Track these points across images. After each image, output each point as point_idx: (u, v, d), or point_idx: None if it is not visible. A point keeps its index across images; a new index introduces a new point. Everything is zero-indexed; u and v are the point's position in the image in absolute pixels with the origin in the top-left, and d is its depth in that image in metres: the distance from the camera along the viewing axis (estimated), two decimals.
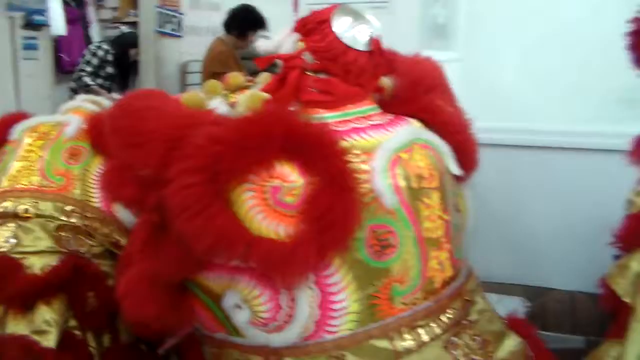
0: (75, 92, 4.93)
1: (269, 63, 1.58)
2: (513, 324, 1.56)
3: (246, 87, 1.83)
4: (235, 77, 1.83)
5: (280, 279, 1.24)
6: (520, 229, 2.76)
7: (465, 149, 1.57)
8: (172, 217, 1.21)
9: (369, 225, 1.29)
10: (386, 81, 1.58)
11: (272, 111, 1.32)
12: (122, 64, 4.98)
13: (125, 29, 6.37)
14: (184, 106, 1.48)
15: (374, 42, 1.45)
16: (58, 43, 5.95)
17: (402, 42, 2.51)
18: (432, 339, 1.34)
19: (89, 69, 4.85)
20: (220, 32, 4.55)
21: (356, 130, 1.40)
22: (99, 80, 4.93)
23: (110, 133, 1.39)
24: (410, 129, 1.46)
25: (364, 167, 1.32)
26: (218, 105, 1.55)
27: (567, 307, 2.66)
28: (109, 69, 5.00)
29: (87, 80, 4.77)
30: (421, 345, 1.33)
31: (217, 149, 1.20)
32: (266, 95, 1.44)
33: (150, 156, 1.28)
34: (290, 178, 1.24)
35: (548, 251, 2.70)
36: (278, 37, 1.55)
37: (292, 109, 1.42)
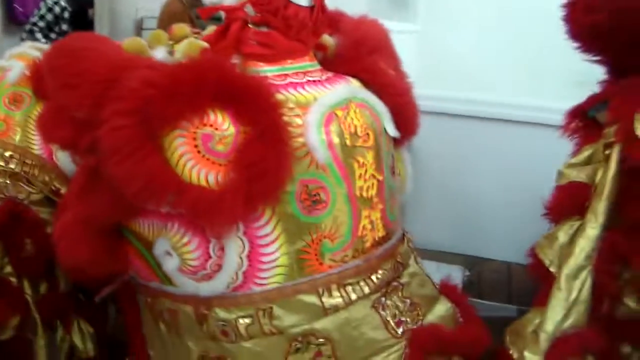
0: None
1: (210, 14, 1.58)
2: (445, 290, 1.61)
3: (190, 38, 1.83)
4: (181, 28, 1.82)
5: (208, 227, 1.25)
6: (462, 199, 2.80)
7: (404, 113, 1.59)
8: (103, 159, 1.21)
9: (300, 180, 1.31)
10: (329, 40, 1.59)
11: (206, 59, 1.32)
12: (79, 22, 4.86)
13: None
14: (124, 51, 1.47)
15: None
16: None
17: (351, 10, 2.55)
18: (360, 298, 1.37)
19: (42, 24, 4.70)
20: None
21: (293, 84, 1.40)
22: (52, 36, 4.81)
23: (46, 72, 1.37)
24: (348, 87, 1.47)
25: (297, 121, 1.33)
26: (159, 53, 1.54)
27: (503, 277, 2.75)
28: (64, 27, 4.86)
29: (39, 36, 4.64)
30: (349, 303, 1.36)
31: (149, 92, 1.20)
32: (205, 44, 1.44)
33: (84, 97, 1.26)
34: (223, 127, 1.25)
35: (488, 222, 2.76)
36: None
37: (231, 60, 1.43)
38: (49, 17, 4.79)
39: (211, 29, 1.86)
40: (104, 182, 1.26)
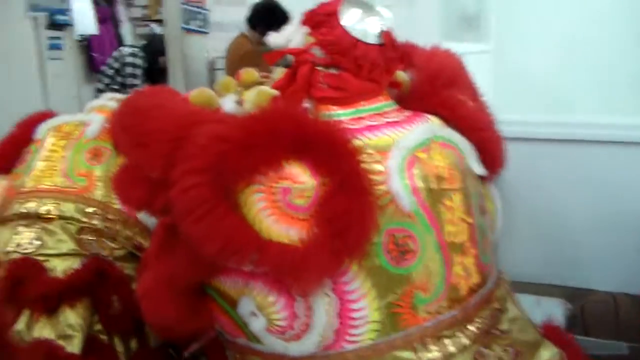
0: (102, 92, 5.00)
1: (277, 59, 1.55)
2: (549, 332, 1.49)
3: (261, 83, 1.80)
4: (249, 73, 1.79)
5: (294, 286, 1.20)
6: (556, 226, 2.65)
7: (489, 147, 1.50)
8: (178, 220, 1.18)
9: (387, 229, 1.24)
10: (403, 76, 1.53)
11: (279, 108, 1.29)
12: (152, 71, 5.02)
13: (155, 27, 6.43)
14: (191, 104, 1.45)
15: (386, 35, 1.39)
16: (90, 42, 6.03)
17: (423, 36, 2.47)
18: (459, 350, 1.28)
19: (119, 78, 4.91)
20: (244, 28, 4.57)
21: (370, 128, 1.35)
22: (127, 86, 5.00)
23: (117, 131, 1.38)
24: (428, 126, 1.40)
25: (378, 167, 1.26)
26: (227, 103, 1.52)
27: (609, 309, 2.57)
28: (136, 81, 5.05)
29: (116, 87, 4.84)
30: (448, 356, 1.27)
31: (221, 147, 1.16)
32: (275, 92, 1.41)
33: (155, 157, 1.25)
34: (301, 179, 1.20)
35: (585, 250, 2.59)
36: (288, 31, 1.51)
37: (302, 106, 1.39)
38: (127, 69, 4.98)
39: (280, 70, 1.84)
40: (182, 241, 1.23)
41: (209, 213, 1.14)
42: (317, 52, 1.39)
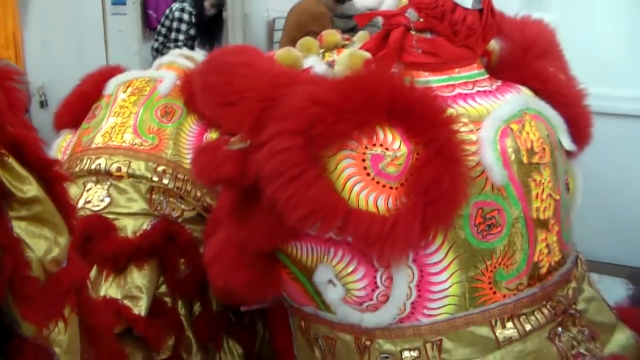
0: (158, 51, 5.02)
1: (369, 20, 1.50)
2: (624, 315, 1.45)
3: (343, 46, 1.76)
4: (332, 34, 1.74)
5: (378, 256, 1.17)
6: (624, 206, 2.57)
7: (578, 123, 1.45)
8: (264, 183, 1.15)
9: (475, 202, 1.21)
10: (493, 44, 1.47)
11: (375, 72, 1.24)
12: (201, 21, 5.01)
13: None
14: (278, 64, 1.42)
15: (485, 0, 1.33)
16: (146, 0, 6.05)
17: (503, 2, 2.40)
18: (535, 329, 1.26)
19: (182, 37, 4.91)
20: None
21: (462, 96, 1.30)
22: (189, 42, 5.02)
23: (200, 90, 1.34)
24: (521, 97, 1.35)
25: (472, 137, 1.22)
26: (314, 64, 1.48)
27: None
28: (192, 31, 5.05)
29: (171, 45, 4.85)
30: (524, 335, 1.25)
31: (315, 110, 1.13)
32: (367, 55, 1.36)
33: (244, 117, 1.21)
34: (394, 146, 1.16)
35: None
36: None
37: (395, 70, 1.35)
38: (184, 27, 4.98)
39: (362, 34, 1.78)
40: (260, 204, 1.21)
41: (297, 177, 1.11)
42: (412, 15, 1.34)
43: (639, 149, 2.59)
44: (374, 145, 1.16)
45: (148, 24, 6.05)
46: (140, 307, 1.74)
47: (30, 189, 1.05)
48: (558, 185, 1.35)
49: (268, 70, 1.29)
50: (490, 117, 1.27)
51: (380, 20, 1.44)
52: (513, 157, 1.25)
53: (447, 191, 1.13)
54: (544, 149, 1.31)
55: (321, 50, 1.72)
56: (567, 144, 1.39)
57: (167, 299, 1.85)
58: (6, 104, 1.10)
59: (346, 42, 1.79)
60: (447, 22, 1.31)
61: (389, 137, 1.17)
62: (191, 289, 1.86)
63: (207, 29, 5.21)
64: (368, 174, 1.15)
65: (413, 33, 1.34)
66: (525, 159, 1.27)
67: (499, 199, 1.23)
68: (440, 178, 1.12)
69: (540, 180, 1.29)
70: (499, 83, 1.38)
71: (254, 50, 1.43)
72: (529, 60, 1.44)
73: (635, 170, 2.59)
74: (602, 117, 2.52)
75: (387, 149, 1.16)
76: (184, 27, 4.95)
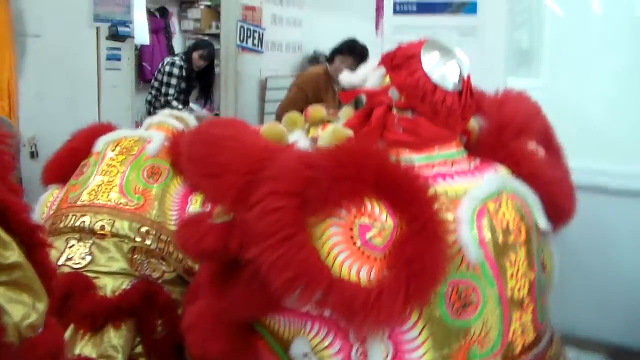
0: (150, 104, 5.10)
1: (352, 97, 1.55)
2: None
3: (328, 121, 1.81)
4: (317, 110, 1.81)
5: (359, 328, 1.17)
6: (608, 281, 2.58)
7: (555, 202, 1.47)
8: (252, 244, 1.15)
9: (451, 280, 1.23)
10: (473, 123, 1.52)
11: (364, 145, 1.27)
12: (191, 74, 5.12)
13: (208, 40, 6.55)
14: (263, 138, 1.45)
15: (464, 82, 1.39)
16: (141, 52, 6.14)
17: (488, 68, 2.45)
18: None
19: (171, 91, 5.02)
20: (301, 47, 4.61)
21: (441, 175, 1.35)
22: (181, 96, 5.12)
23: (187, 160, 1.38)
24: (498, 177, 1.39)
25: (449, 216, 1.26)
26: (298, 139, 1.52)
27: None
28: (183, 85, 5.15)
29: (175, 104, 4.96)
30: None
31: (310, 173, 1.15)
32: (350, 132, 1.40)
33: (227, 189, 1.24)
34: (381, 218, 1.19)
35: (637, 307, 2.54)
36: (363, 71, 1.50)
37: (382, 147, 1.38)
38: (173, 81, 5.08)
39: (346, 110, 1.84)
40: (242, 275, 1.23)
41: (288, 239, 1.12)
42: (394, 94, 1.39)
43: (624, 225, 2.61)
44: (362, 215, 1.18)
45: (142, 76, 6.15)
46: None
47: (12, 254, 1.06)
48: (533, 264, 1.37)
49: (253, 144, 1.32)
50: (468, 196, 1.30)
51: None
52: (489, 236, 1.28)
53: (428, 267, 1.15)
54: (519, 228, 1.34)
55: (306, 125, 1.77)
56: (543, 224, 1.42)
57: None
58: None
59: (331, 118, 1.84)
60: (427, 103, 1.36)
61: (377, 209, 1.19)
62: (167, 350, 1.86)
63: (198, 81, 5.31)
64: (354, 243, 1.17)
65: (395, 112, 1.39)
66: (501, 239, 1.30)
67: (475, 277, 1.25)
68: (422, 254, 1.15)
69: (515, 260, 1.32)
70: (477, 162, 1.42)
71: (241, 124, 1.47)
72: (505, 140, 1.49)
73: (619, 247, 2.61)
74: (589, 192, 2.58)
75: (375, 220, 1.18)
76: (174, 81, 5.05)
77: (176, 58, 5.17)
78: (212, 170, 1.29)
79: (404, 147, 1.38)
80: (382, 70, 1.44)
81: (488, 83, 2.35)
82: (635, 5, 3.80)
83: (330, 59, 3.96)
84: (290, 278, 1.12)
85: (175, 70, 5.07)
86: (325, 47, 5.42)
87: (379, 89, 1.43)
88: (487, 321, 1.26)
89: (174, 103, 4.95)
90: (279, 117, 3.75)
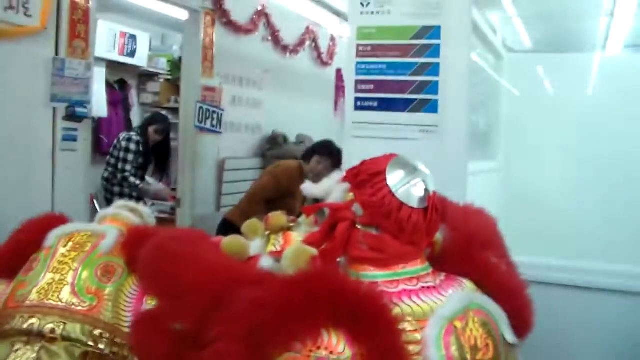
0: (108, 181, 5.04)
1: (315, 211, 1.54)
2: None
3: (289, 228, 1.80)
4: (277, 217, 1.79)
5: None
6: None
7: (520, 314, 1.48)
8: None
9: None
10: (437, 235, 1.51)
11: (319, 273, 1.26)
12: (147, 149, 5.10)
13: (165, 113, 6.57)
14: (225, 254, 1.44)
15: (429, 199, 1.39)
16: (98, 124, 6.11)
17: (450, 159, 2.48)
18: None
19: (128, 167, 4.99)
20: (260, 127, 4.66)
21: (407, 292, 1.33)
22: (139, 172, 5.07)
23: (146, 277, 1.35)
24: (464, 294, 1.39)
25: (416, 336, 1.25)
26: (261, 259, 1.50)
27: None
28: (140, 160, 5.12)
29: (133, 180, 4.91)
30: None
31: (260, 315, 1.15)
32: (313, 251, 1.39)
33: (189, 310, 1.23)
34: (338, 349, 1.17)
35: None
36: (326, 184, 1.52)
37: (339, 262, 1.38)
38: (130, 157, 5.05)
39: (307, 219, 1.83)
40: None
41: None
42: (359, 209, 1.39)
43: (586, 322, 2.61)
44: (319, 348, 1.16)
45: (99, 149, 6.09)
46: None
47: None
48: None
49: (214, 264, 1.31)
50: (435, 315, 1.29)
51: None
52: (457, 355, 1.26)
53: None
54: (487, 344, 1.33)
55: (266, 233, 1.76)
56: (510, 337, 1.41)
57: None
58: None
59: (292, 224, 1.83)
60: (393, 220, 1.36)
61: (334, 339, 1.17)
62: None
63: (154, 156, 5.28)
64: None
65: (359, 227, 1.39)
66: (469, 357, 1.28)
67: None
68: None
69: None
70: (442, 277, 1.42)
71: (201, 237, 1.45)
72: (472, 252, 1.50)
73: (582, 345, 2.61)
74: (545, 287, 2.59)
75: (331, 352, 1.16)
76: (131, 157, 5.01)
77: (132, 133, 5.15)
78: (172, 289, 1.28)
79: (368, 263, 1.37)
80: (346, 185, 1.45)
81: (451, 173, 2.39)
82: (586, 84, 3.96)
83: (306, 157, 4.03)
84: None
85: (132, 146, 5.03)
86: (284, 127, 5.51)
87: (343, 204, 1.43)
88: None
89: (132, 179, 4.90)
90: (248, 202, 3.75)
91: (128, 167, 4.99)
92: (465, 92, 2.56)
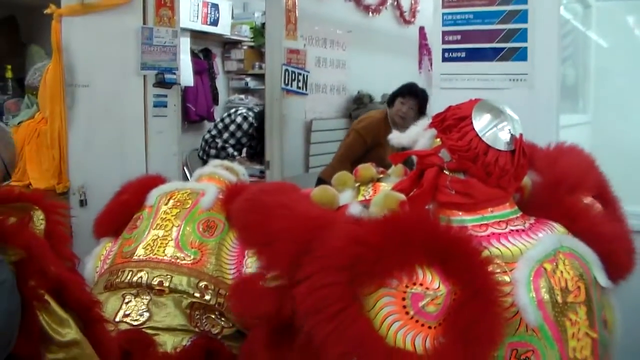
0: (207, 142, 5.25)
1: (403, 159, 1.60)
2: None
3: (379, 180, 1.85)
4: (367, 169, 1.86)
5: None
6: None
7: (613, 259, 1.48)
8: (304, 317, 1.21)
9: (510, 343, 1.25)
10: (525, 180, 1.54)
11: (413, 214, 1.32)
12: (256, 133, 5.25)
13: (250, 80, 6.71)
14: (315, 203, 1.51)
15: (516, 141, 1.41)
16: (185, 93, 6.31)
17: (541, 110, 2.47)
18: None
19: (232, 140, 5.17)
20: (345, 88, 4.68)
21: (496, 235, 1.37)
22: (237, 146, 5.26)
23: (239, 228, 1.43)
24: (554, 236, 1.41)
25: (505, 278, 1.29)
26: (350, 205, 1.56)
27: None
28: (244, 140, 5.30)
29: (231, 151, 5.11)
30: None
31: (357, 250, 1.20)
32: (401, 196, 1.44)
33: (280, 257, 1.31)
34: (434, 286, 1.22)
35: None
36: (413, 131, 1.56)
37: (430, 210, 1.43)
38: (239, 134, 5.23)
39: (397, 168, 1.88)
40: (296, 339, 1.28)
41: (338, 314, 1.17)
42: (445, 155, 1.43)
43: None
44: (414, 284, 1.21)
45: (187, 117, 6.30)
46: None
47: (69, 332, 1.12)
48: (595, 323, 1.38)
49: (304, 212, 1.38)
50: (524, 257, 1.32)
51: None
52: (547, 297, 1.30)
53: (484, 333, 1.18)
54: (578, 287, 1.36)
55: (356, 184, 1.82)
56: (602, 280, 1.43)
57: None
58: (48, 245, 1.19)
59: (381, 176, 1.88)
60: (480, 164, 1.39)
61: (428, 276, 1.22)
62: None
63: (258, 142, 5.40)
64: (407, 313, 1.21)
65: (447, 173, 1.43)
66: (559, 299, 1.32)
67: (534, 339, 1.27)
68: (478, 320, 1.18)
69: (576, 320, 1.33)
70: (532, 221, 1.44)
71: (291, 188, 1.53)
72: (560, 197, 1.51)
73: None
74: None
75: (427, 288, 1.21)
76: (239, 133, 5.23)
77: (250, 114, 5.34)
78: (264, 238, 1.36)
79: (457, 208, 1.41)
80: (433, 131, 1.49)
81: (541, 124, 2.36)
82: None
83: (390, 102, 4.01)
84: (344, 352, 1.17)
85: (245, 125, 5.26)
86: (369, 87, 5.53)
87: (430, 150, 1.47)
88: None
89: (230, 150, 5.11)
90: (339, 162, 3.82)
91: (232, 141, 5.21)
92: (555, 40, 2.53)
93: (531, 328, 1.27)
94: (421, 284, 1.22)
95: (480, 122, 1.41)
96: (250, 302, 1.37)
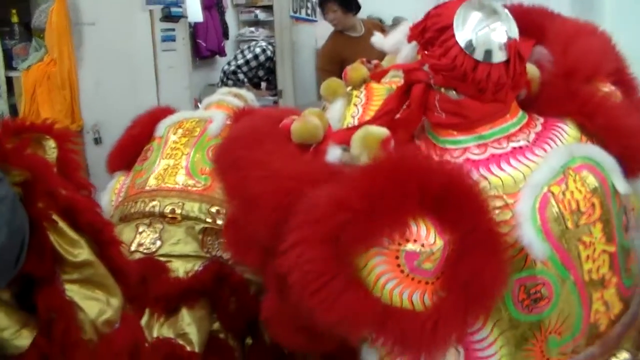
0: (225, 73, 5.19)
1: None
2: None
3: (370, 81, 1.61)
4: (356, 69, 1.62)
5: (416, 356, 1.06)
6: None
7: (635, 155, 1.26)
8: (293, 289, 1.06)
9: (517, 279, 1.10)
10: (532, 71, 1.29)
11: (399, 160, 1.10)
12: (270, 67, 5.17)
13: (260, 13, 6.54)
14: (292, 150, 1.30)
15: (510, 47, 1.16)
16: (195, 29, 6.17)
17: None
18: None
19: (245, 68, 5.08)
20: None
21: (496, 158, 1.17)
22: (250, 74, 5.19)
23: (219, 180, 1.33)
24: (563, 149, 1.19)
25: (507, 214, 1.10)
26: (332, 152, 1.32)
27: None
28: (260, 72, 5.21)
29: (241, 77, 5.04)
30: None
31: (343, 216, 1.01)
32: (384, 132, 1.21)
33: (260, 224, 1.16)
34: (429, 240, 1.04)
35: None
36: (396, 37, 1.36)
37: (420, 148, 1.24)
38: (254, 63, 5.14)
39: (389, 58, 1.65)
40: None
41: (325, 286, 1.01)
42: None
43: None
44: (408, 241, 1.03)
45: (198, 54, 6.17)
46: (194, 345, 1.73)
47: (81, 252, 1.07)
48: (613, 234, 1.20)
49: (281, 171, 1.19)
50: (527, 185, 1.12)
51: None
52: (556, 227, 1.12)
53: (487, 286, 1.03)
54: (592, 204, 1.17)
55: (348, 89, 1.61)
56: (622, 187, 1.22)
57: (221, 335, 1.84)
58: (58, 170, 1.14)
59: (375, 69, 1.64)
60: (469, 82, 1.16)
61: (423, 230, 1.04)
62: (241, 324, 1.85)
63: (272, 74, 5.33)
64: (402, 271, 1.04)
65: (436, 89, 1.21)
66: (570, 224, 1.13)
67: (544, 272, 1.11)
68: (480, 271, 1.02)
69: (590, 241, 1.16)
70: (538, 128, 1.23)
71: (266, 124, 1.36)
72: (574, 89, 1.27)
73: None
74: None
75: (422, 245, 1.03)
76: (254, 63, 5.11)
77: (269, 48, 5.20)
78: (242, 200, 1.23)
79: (451, 128, 1.21)
80: (415, 44, 1.26)
81: None
82: None
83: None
84: (339, 320, 1.03)
85: (262, 57, 5.12)
86: (379, 12, 5.35)
87: (413, 64, 1.24)
88: (563, 310, 1.14)
89: (240, 76, 5.04)
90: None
91: (245, 68, 5.10)
92: None
93: (539, 261, 1.10)
94: (415, 240, 1.03)
95: (465, 32, 1.16)
96: (238, 251, 1.28)
